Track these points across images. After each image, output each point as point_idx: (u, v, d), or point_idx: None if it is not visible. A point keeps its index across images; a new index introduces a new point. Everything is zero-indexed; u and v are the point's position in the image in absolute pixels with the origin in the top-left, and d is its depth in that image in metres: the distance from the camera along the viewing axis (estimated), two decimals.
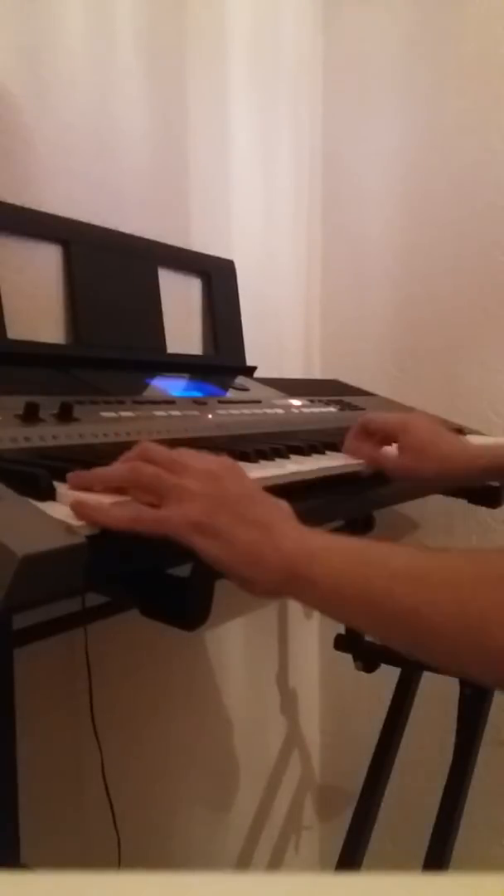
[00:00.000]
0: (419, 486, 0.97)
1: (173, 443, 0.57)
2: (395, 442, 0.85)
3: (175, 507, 0.49)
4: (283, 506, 0.54)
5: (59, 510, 0.46)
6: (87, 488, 0.50)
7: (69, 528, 0.44)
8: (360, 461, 0.80)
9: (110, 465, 0.53)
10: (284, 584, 0.50)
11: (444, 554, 0.51)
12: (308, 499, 0.67)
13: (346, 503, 0.79)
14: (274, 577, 0.50)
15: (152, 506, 0.50)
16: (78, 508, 0.46)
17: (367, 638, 1.30)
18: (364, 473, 0.81)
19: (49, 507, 0.46)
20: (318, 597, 0.50)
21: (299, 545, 0.50)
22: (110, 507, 0.48)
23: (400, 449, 0.83)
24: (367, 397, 1.28)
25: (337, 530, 0.95)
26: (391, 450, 0.84)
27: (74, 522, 0.45)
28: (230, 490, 0.51)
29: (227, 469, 0.53)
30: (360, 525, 1.30)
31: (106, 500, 0.48)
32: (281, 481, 0.63)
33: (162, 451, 0.53)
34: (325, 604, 0.51)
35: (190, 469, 0.51)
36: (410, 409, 1.23)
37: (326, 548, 0.51)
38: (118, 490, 0.51)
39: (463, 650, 0.45)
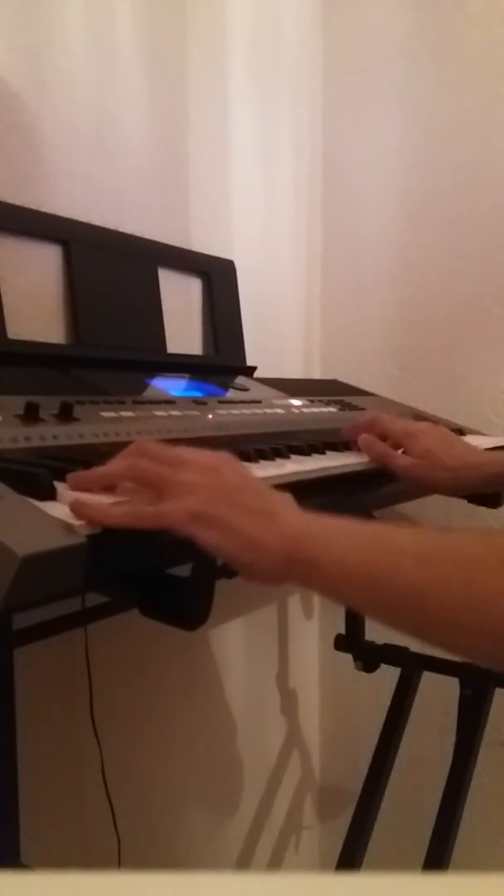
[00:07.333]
0: (425, 489, 0.97)
1: (173, 443, 0.57)
2: (400, 447, 0.84)
3: (174, 501, 0.49)
4: (285, 495, 0.54)
5: (59, 510, 0.46)
6: (87, 488, 0.50)
7: (69, 528, 0.44)
8: (361, 462, 0.80)
9: (106, 463, 0.53)
10: (288, 568, 0.49)
11: (450, 533, 0.50)
12: (308, 498, 0.67)
13: (346, 503, 0.79)
14: (277, 562, 0.49)
15: (152, 503, 0.50)
16: (77, 509, 0.46)
17: (367, 638, 1.31)
18: (367, 471, 0.81)
19: (49, 507, 0.46)
20: (323, 579, 0.49)
21: (301, 528, 0.50)
22: (109, 506, 0.47)
23: (409, 455, 0.83)
24: (366, 397, 1.28)
25: None
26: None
27: (74, 522, 0.45)
28: (229, 481, 0.51)
29: (225, 461, 0.53)
30: None
31: (105, 499, 0.48)
32: (281, 481, 0.63)
33: (159, 448, 0.53)
34: (329, 586, 0.50)
35: (188, 463, 0.51)
36: (410, 409, 1.23)
37: (329, 529, 0.50)
38: (116, 489, 0.51)
39: (469, 630, 0.45)
